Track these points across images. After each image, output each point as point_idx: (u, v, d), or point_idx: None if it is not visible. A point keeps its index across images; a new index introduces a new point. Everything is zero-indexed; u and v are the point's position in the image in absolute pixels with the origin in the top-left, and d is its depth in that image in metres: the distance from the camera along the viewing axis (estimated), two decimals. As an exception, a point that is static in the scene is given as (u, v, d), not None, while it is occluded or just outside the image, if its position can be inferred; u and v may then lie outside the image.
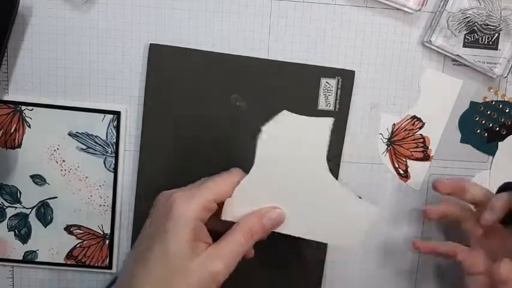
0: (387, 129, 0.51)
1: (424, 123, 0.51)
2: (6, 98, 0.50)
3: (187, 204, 0.40)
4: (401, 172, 0.52)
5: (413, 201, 0.53)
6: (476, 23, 0.50)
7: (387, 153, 0.52)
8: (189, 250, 0.39)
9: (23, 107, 0.50)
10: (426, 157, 0.52)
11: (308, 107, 0.50)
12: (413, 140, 0.51)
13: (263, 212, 0.43)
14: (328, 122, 0.42)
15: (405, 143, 0.51)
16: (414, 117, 0.51)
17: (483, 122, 0.52)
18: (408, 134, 0.51)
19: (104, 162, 0.51)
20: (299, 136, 0.43)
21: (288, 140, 0.42)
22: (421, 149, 0.51)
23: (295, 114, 0.42)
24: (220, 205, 0.43)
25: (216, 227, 0.42)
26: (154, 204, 0.43)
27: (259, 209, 0.43)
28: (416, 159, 0.51)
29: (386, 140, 0.51)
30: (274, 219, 0.43)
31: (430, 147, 0.51)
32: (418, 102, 0.51)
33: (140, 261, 0.40)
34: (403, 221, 0.53)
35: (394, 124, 0.51)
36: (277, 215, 0.43)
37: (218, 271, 0.40)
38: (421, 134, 0.51)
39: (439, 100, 0.52)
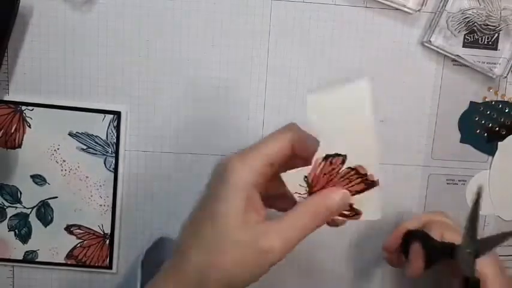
0: (300, 185, 0.39)
1: (345, 156, 0.39)
2: (6, 98, 0.50)
3: (242, 169, 0.37)
4: (347, 213, 0.41)
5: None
6: (476, 23, 0.50)
7: None
8: (239, 219, 0.36)
9: (24, 107, 0.50)
10: (370, 185, 0.40)
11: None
12: (342, 177, 0.40)
13: (327, 193, 0.38)
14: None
15: (333, 185, 0.40)
16: (327, 156, 0.39)
17: (483, 122, 0.52)
18: (331, 175, 0.39)
19: (104, 162, 0.51)
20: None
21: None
22: (358, 180, 0.40)
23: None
24: (278, 168, 0.39)
25: (271, 193, 0.39)
26: (212, 171, 0.39)
27: (326, 189, 0.39)
28: (358, 192, 0.40)
29: (306, 195, 0.40)
30: (339, 203, 0.38)
31: (369, 173, 0.39)
32: (321, 139, 0.38)
33: (193, 224, 0.38)
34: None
35: (306, 177, 0.39)
36: (341, 197, 0.38)
37: (271, 247, 0.35)
38: (349, 167, 0.39)
39: (348, 120, 0.39)
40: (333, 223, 0.40)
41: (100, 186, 0.51)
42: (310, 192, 0.39)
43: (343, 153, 0.39)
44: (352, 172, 0.39)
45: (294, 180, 0.39)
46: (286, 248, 0.36)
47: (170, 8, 0.49)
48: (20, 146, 0.50)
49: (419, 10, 0.49)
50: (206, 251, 0.36)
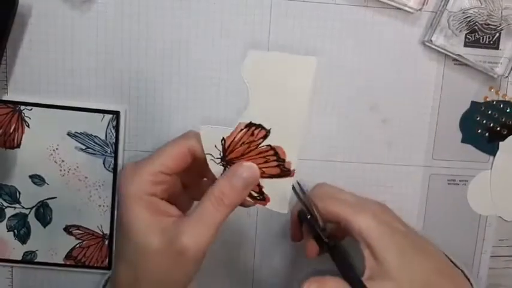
0: (215, 146, 0.38)
1: (268, 131, 0.37)
2: (5, 97, 0.50)
3: (132, 181, 0.37)
4: (255, 194, 0.40)
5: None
6: (477, 23, 0.50)
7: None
8: (147, 229, 0.35)
9: (22, 107, 0.49)
10: (285, 172, 0.38)
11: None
12: (259, 153, 0.38)
13: (232, 171, 0.37)
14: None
15: (249, 159, 0.38)
16: (251, 124, 0.37)
17: (484, 122, 0.52)
18: (249, 147, 0.37)
19: (103, 163, 0.50)
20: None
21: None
22: (275, 163, 0.38)
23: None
24: (176, 174, 0.39)
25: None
26: None
27: (229, 168, 0.38)
28: (272, 176, 0.38)
29: (219, 160, 0.38)
30: (244, 177, 0.37)
31: (287, 160, 0.38)
32: (250, 104, 0.37)
33: (116, 239, 0.40)
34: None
35: (223, 139, 0.38)
36: (245, 171, 0.37)
37: (185, 247, 0.35)
38: (269, 145, 0.37)
39: (283, 93, 0.37)
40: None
41: (99, 186, 0.51)
42: (223, 158, 0.38)
43: (267, 128, 0.37)
44: (271, 152, 0.38)
45: (211, 139, 0.38)
46: (202, 242, 0.35)
47: (170, 7, 0.49)
48: (18, 146, 0.50)
49: (420, 9, 0.49)
50: (129, 266, 0.37)
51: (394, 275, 0.39)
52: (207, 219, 0.36)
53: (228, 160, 0.38)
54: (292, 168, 0.38)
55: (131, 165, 0.38)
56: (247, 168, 0.37)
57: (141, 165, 0.38)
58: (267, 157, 0.38)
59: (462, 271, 0.45)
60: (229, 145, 0.38)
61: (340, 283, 0.40)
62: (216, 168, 0.39)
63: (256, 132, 0.37)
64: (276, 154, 0.38)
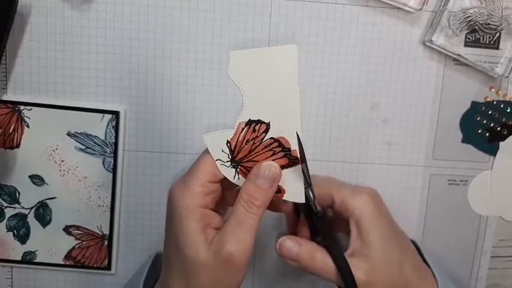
0: (222, 150, 0.39)
1: (268, 124, 0.39)
2: (4, 97, 0.50)
3: (183, 196, 0.38)
4: None
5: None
6: (477, 23, 0.50)
7: (239, 175, 0.40)
8: (199, 241, 0.37)
9: (22, 107, 0.49)
10: (293, 161, 0.40)
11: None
12: (265, 148, 0.39)
13: (254, 173, 0.39)
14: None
15: (256, 156, 0.40)
16: (250, 122, 0.39)
17: (484, 122, 0.52)
18: (254, 143, 0.39)
19: (103, 163, 0.50)
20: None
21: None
22: (281, 153, 0.39)
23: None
24: (222, 182, 0.40)
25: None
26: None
27: (250, 172, 0.39)
28: (282, 167, 0.40)
29: (229, 163, 0.39)
30: (267, 176, 0.38)
31: (292, 148, 0.39)
32: (245, 103, 0.39)
33: (165, 261, 0.40)
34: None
35: (228, 142, 0.39)
36: (266, 169, 0.38)
37: (230, 254, 0.37)
38: (272, 138, 0.39)
39: (272, 85, 0.38)
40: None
41: (99, 186, 0.51)
42: (232, 160, 0.39)
43: (266, 121, 0.38)
44: (276, 144, 0.39)
45: (217, 144, 0.39)
46: (244, 246, 0.37)
47: (170, 7, 0.49)
48: (18, 146, 0.50)
49: (420, 9, 0.49)
50: (182, 276, 0.38)
51: (373, 256, 0.42)
52: (243, 224, 0.38)
53: (237, 161, 0.39)
54: (298, 156, 0.39)
55: (178, 182, 0.39)
56: (268, 167, 0.39)
57: (189, 178, 0.39)
58: (273, 149, 0.39)
59: (431, 270, 0.47)
60: (235, 146, 0.39)
61: (315, 246, 0.42)
62: (227, 171, 0.40)
63: (257, 128, 0.39)
64: (281, 145, 0.39)
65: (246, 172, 0.40)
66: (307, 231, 0.44)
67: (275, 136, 0.39)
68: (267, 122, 0.38)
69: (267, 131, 0.39)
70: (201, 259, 0.37)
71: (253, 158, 0.39)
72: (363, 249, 0.43)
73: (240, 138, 0.39)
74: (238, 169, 0.40)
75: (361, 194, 0.45)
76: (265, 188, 0.38)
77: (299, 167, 0.39)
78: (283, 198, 0.41)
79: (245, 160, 0.40)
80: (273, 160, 0.39)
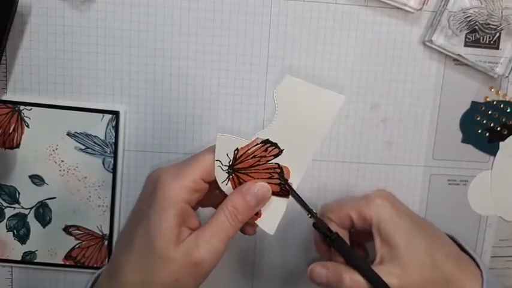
0: (227, 154, 0.40)
1: (281, 151, 0.40)
2: (4, 97, 0.50)
3: (172, 185, 0.37)
4: None
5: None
6: (477, 23, 0.50)
7: (229, 182, 0.41)
8: (172, 237, 0.36)
9: (22, 107, 0.49)
10: (284, 193, 0.41)
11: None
12: (266, 169, 0.40)
13: (245, 188, 0.39)
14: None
15: (255, 173, 0.40)
16: (267, 142, 0.40)
17: (484, 122, 0.52)
18: (259, 161, 0.40)
19: (103, 163, 0.50)
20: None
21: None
22: (277, 181, 0.40)
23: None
24: (211, 184, 0.40)
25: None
26: (144, 182, 0.41)
27: (242, 185, 0.40)
28: (272, 193, 0.41)
29: (226, 168, 0.40)
30: (257, 195, 0.39)
31: (290, 180, 0.40)
32: (273, 123, 0.40)
33: (126, 241, 0.39)
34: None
35: (237, 149, 0.40)
36: (259, 189, 0.39)
37: (202, 259, 0.37)
38: (277, 164, 0.40)
39: (305, 121, 0.40)
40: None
41: (99, 186, 0.51)
42: (231, 166, 0.40)
43: (281, 148, 0.40)
44: (278, 170, 0.40)
45: (225, 147, 0.40)
46: (215, 255, 0.37)
47: (169, 7, 0.49)
48: (18, 146, 0.50)
49: (420, 9, 0.49)
50: (139, 270, 0.37)
51: (402, 258, 0.42)
52: (222, 233, 0.38)
53: (234, 169, 0.40)
54: (289, 191, 0.40)
55: (169, 170, 0.39)
56: (261, 187, 0.40)
57: (183, 170, 0.38)
58: (272, 174, 0.40)
59: (471, 257, 0.46)
60: (241, 155, 0.40)
61: (341, 267, 0.42)
62: (220, 174, 0.40)
63: (270, 149, 0.40)
64: (281, 173, 0.40)
65: (236, 182, 0.40)
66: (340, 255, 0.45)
67: (281, 163, 0.40)
68: (282, 149, 0.40)
69: (276, 156, 0.40)
70: (169, 255, 0.36)
71: (251, 173, 0.40)
72: (390, 253, 0.42)
73: (249, 151, 0.40)
74: (231, 176, 0.40)
75: (374, 200, 0.45)
76: (251, 205, 0.39)
77: (285, 201, 0.40)
78: (256, 221, 0.41)
79: (242, 171, 0.40)
80: (267, 183, 0.40)
